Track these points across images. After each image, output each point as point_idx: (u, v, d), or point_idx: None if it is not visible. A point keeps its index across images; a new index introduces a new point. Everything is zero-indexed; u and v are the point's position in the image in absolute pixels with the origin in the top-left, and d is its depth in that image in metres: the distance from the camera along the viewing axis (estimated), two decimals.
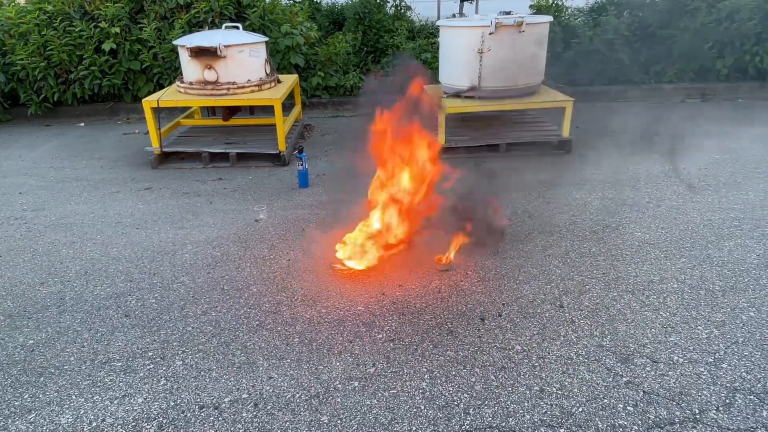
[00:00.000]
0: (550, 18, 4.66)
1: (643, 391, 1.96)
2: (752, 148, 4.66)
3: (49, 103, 6.48)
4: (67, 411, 1.97)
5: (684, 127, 5.43)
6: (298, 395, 2.01)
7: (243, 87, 4.69)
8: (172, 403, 1.99)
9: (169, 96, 4.73)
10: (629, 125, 5.55)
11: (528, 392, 1.98)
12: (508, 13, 4.52)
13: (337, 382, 2.06)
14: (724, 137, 5.01)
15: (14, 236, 3.44)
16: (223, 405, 1.97)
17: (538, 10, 7.46)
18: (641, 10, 7.31)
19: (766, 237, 3.07)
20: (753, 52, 6.59)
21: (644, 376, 2.04)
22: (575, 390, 1.98)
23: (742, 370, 2.05)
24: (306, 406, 1.95)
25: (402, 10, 8.28)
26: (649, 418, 1.84)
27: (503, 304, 2.53)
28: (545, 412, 1.89)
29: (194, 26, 6.22)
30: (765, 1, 6.51)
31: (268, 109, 5.09)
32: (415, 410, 1.92)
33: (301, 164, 4.08)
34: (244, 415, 1.92)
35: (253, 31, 6.00)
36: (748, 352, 2.15)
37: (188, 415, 1.93)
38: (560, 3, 7.62)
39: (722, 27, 6.61)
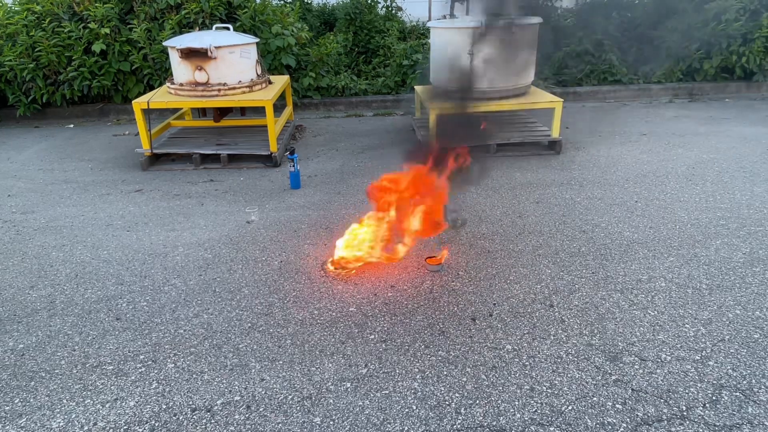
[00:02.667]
0: (539, 19, 4.69)
1: (632, 389, 1.99)
2: (739, 147, 4.72)
3: (38, 105, 6.43)
4: (58, 415, 1.96)
5: (671, 126, 5.50)
6: (290, 397, 2.01)
7: (234, 88, 4.68)
8: (164, 406, 1.99)
9: (159, 97, 4.71)
10: (618, 125, 5.61)
11: (518, 391, 2.00)
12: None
13: (330, 384, 2.07)
14: (711, 137, 5.08)
15: (3, 239, 3.41)
16: (216, 407, 1.97)
17: None
18: (630, 11, 7.39)
19: (752, 236, 3.12)
20: (740, 53, 6.69)
21: (633, 374, 2.07)
22: (565, 388, 2.01)
23: (729, 367, 2.09)
24: (298, 408, 1.96)
25: (393, 11, 8.30)
26: (637, 415, 1.87)
27: (494, 304, 2.55)
28: (535, 411, 1.91)
29: (184, 27, 6.19)
30: (751, 1, 6.60)
31: (259, 110, 5.08)
32: (407, 410, 1.93)
33: (293, 165, 4.09)
34: (236, 417, 1.93)
35: (244, 32, 6.00)
36: (734, 350, 2.18)
37: (180, 418, 1.93)
38: (549, 4, 7.68)
39: (709, 28, 6.69)
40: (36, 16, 6.17)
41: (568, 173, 4.26)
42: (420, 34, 8.08)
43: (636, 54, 7.10)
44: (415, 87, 5.71)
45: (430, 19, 7.99)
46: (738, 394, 1.95)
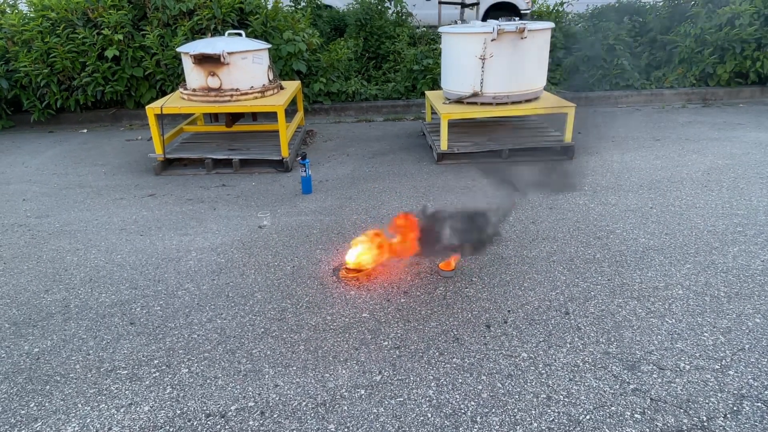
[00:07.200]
0: (551, 24, 4.68)
1: (651, 399, 1.96)
2: (754, 153, 4.66)
3: (52, 110, 6.50)
4: (73, 419, 1.96)
5: (685, 132, 5.44)
6: (304, 403, 2.00)
7: (246, 94, 4.70)
8: (178, 412, 1.98)
9: (172, 103, 4.74)
10: (631, 131, 5.56)
11: (535, 400, 1.98)
12: (510, 19, 4.54)
13: (344, 390, 2.06)
14: (725, 142, 5.02)
15: (18, 243, 3.44)
16: (230, 413, 1.97)
17: (539, 16, 7.50)
18: (642, 16, 7.35)
19: None
20: (754, 58, 6.62)
21: (651, 383, 2.03)
22: (582, 397, 1.98)
23: (749, 377, 2.05)
24: (313, 414, 1.95)
25: (403, 17, 8.32)
26: (656, 425, 1.84)
27: (509, 311, 2.52)
28: (552, 420, 1.88)
29: (197, 33, 6.24)
30: (765, 6, 6.54)
31: (270, 116, 5.11)
32: (422, 418, 1.91)
33: (304, 170, 4.09)
34: (250, 423, 1.92)
35: (256, 38, 6.03)
36: (754, 359, 2.14)
37: (195, 423, 1.93)
38: (561, 9, 7.67)
39: (723, 32, 6.64)
40: (51, 22, 6.24)
41: (581, 179, 4.23)
42: (430, 39, 8.08)
43: (648, 58, 7.06)
44: (425, 92, 5.70)
45: (440, 24, 7.99)
46: (760, 404, 1.92)
